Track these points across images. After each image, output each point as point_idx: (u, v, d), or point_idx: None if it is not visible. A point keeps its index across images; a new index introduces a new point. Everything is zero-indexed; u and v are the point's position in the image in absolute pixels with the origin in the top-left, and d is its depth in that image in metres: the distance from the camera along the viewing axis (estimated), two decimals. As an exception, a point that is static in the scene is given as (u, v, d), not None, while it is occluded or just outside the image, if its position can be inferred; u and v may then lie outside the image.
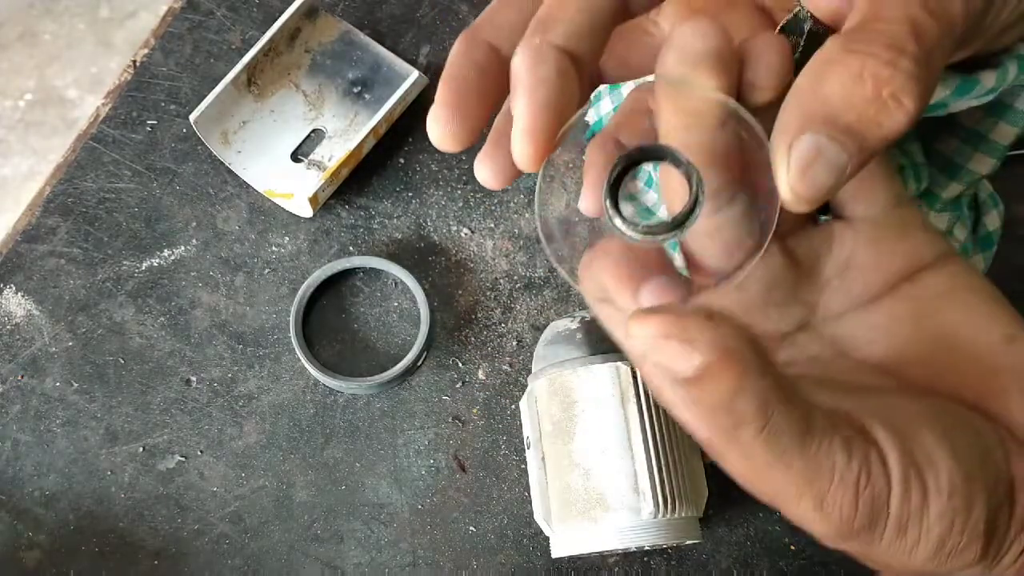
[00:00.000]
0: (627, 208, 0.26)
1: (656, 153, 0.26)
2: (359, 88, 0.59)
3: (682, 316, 0.24)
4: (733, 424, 0.24)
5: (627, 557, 0.51)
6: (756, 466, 0.25)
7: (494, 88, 0.28)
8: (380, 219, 0.57)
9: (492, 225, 0.57)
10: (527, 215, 0.57)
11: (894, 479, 0.25)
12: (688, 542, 0.45)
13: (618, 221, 0.26)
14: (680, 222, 0.25)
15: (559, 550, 0.46)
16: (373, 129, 0.56)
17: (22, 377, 0.55)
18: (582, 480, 0.44)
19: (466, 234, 0.57)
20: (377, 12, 0.61)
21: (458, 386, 0.55)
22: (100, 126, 0.59)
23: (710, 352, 0.24)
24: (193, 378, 0.55)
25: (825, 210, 0.32)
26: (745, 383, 0.24)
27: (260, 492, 0.53)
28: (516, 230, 0.57)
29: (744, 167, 0.27)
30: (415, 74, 0.57)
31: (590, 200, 0.30)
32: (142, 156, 0.58)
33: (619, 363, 0.45)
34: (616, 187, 0.26)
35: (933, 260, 0.30)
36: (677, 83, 0.26)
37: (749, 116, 0.26)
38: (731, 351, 0.24)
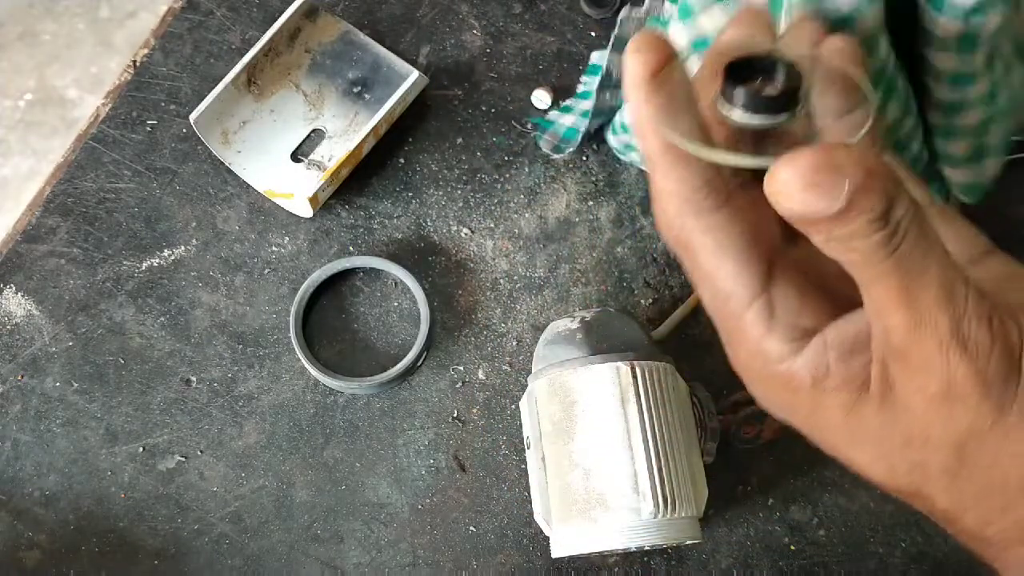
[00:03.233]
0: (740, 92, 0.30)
1: (761, 56, 0.30)
2: (359, 88, 0.59)
3: (825, 149, 0.26)
4: (886, 237, 0.27)
5: (627, 557, 0.51)
6: (904, 281, 0.27)
7: None
8: (380, 219, 0.57)
9: (492, 225, 0.57)
10: (527, 215, 0.57)
11: None
12: (688, 542, 0.45)
13: (734, 101, 0.30)
14: (795, 99, 0.29)
15: (559, 550, 0.46)
16: (373, 129, 0.56)
17: (22, 377, 0.55)
18: (582, 480, 0.44)
19: (466, 234, 0.57)
20: (377, 12, 0.61)
21: (458, 386, 0.55)
22: (100, 126, 0.59)
23: (858, 172, 0.26)
24: (193, 378, 0.55)
25: None
26: (892, 185, 0.26)
27: (260, 492, 0.53)
28: (516, 230, 0.57)
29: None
30: (415, 74, 0.57)
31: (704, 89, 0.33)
32: (142, 156, 0.58)
33: (619, 363, 0.45)
34: (731, 74, 0.30)
35: (990, 248, 0.34)
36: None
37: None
38: (876, 160, 0.27)
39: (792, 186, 0.26)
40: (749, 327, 0.32)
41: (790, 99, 0.29)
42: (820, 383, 0.31)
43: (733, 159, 0.29)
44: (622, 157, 0.57)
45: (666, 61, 0.31)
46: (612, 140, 0.56)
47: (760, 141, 0.31)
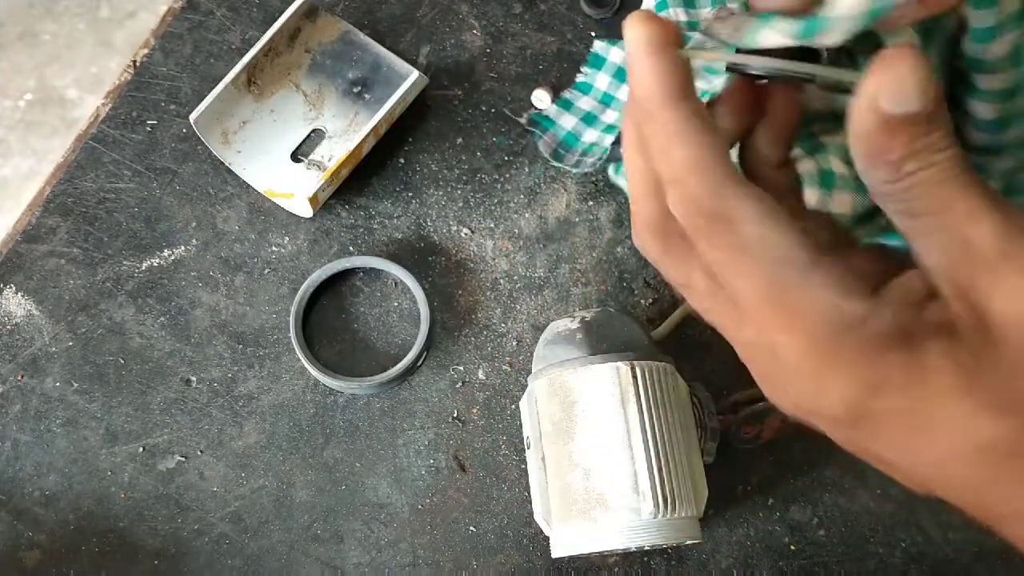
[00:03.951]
0: None
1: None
2: (359, 88, 0.59)
3: (914, 51, 0.26)
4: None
5: (627, 557, 0.51)
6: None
7: None
8: (380, 219, 0.57)
9: (492, 225, 0.57)
10: (527, 215, 0.57)
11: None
12: (688, 542, 0.45)
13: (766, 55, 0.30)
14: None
15: (559, 550, 0.46)
16: (373, 129, 0.56)
17: (22, 377, 0.55)
18: (582, 480, 0.44)
19: (466, 234, 0.57)
20: (377, 12, 0.61)
21: (458, 386, 0.55)
22: (100, 126, 0.59)
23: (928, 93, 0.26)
24: (193, 378, 0.55)
25: None
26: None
27: (260, 492, 0.53)
28: (516, 230, 0.57)
29: None
30: (415, 74, 0.57)
31: None
32: (142, 156, 0.58)
33: (619, 363, 0.45)
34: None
35: None
36: None
37: None
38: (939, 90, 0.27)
39: (901, 76, 0.26)
40: (819, 291, 0.28)
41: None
42: (910, 337, 0.27)
43: (799, 66, 0.29)
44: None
45: (673, 31, 0.29)
46: (618, 180, 0.55)
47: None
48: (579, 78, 0.58)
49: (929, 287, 0.28)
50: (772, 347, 0.29)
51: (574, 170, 0.56)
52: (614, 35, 0.59)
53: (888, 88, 0.26)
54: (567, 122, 0.57)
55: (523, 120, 0.58)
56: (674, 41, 0.30)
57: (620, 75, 0.57)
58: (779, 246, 0.29)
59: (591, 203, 0.57)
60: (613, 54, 0.57)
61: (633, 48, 0.29)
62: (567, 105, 0.58)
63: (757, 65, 0.30)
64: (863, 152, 0.27)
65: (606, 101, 0.57)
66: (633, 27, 0.29)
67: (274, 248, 0.57)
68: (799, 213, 0.34)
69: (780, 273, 0.29)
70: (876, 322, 0.28)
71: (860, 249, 0.33)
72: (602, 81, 0.57)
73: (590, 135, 0.57)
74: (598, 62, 0.58)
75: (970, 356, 0.27)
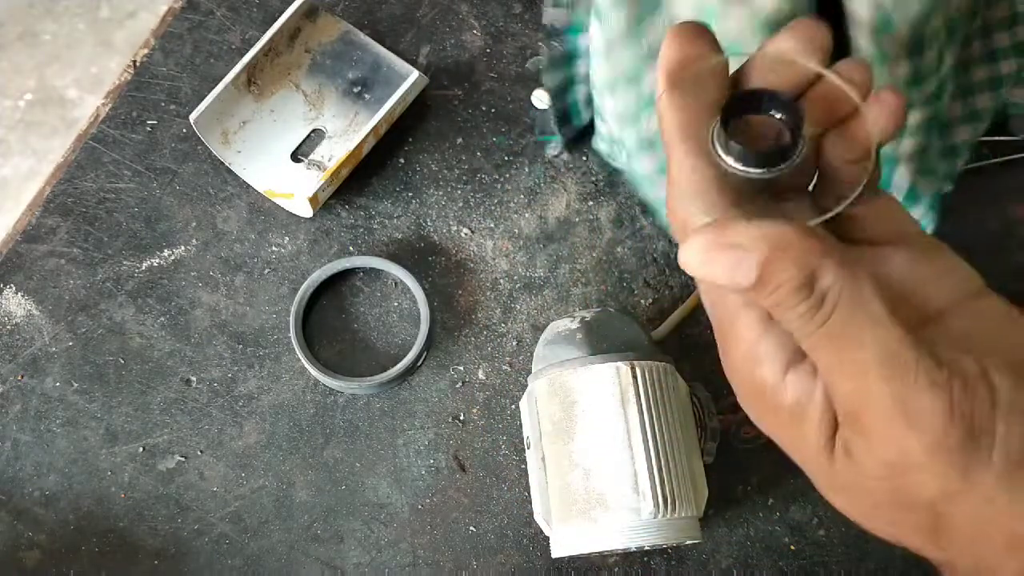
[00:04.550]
0: (734, 145, 0.29)
1: (765, 94, 0.29)
2: (359, 88, 0.59)
3: (724, 223, 0.27)
4: (812, 305, 0.27)
5: (627, 557, 0.51)
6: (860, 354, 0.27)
7: None
8: (380, 219, 0.57)
9: (492, 225, 0.57)
10: (527, 215, 0.57)
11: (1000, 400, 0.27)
12: (688, 542, 0.45)
13: (730, 153, 0.29)
14: (788, 155, 0.28)
15: (559, 550, 0.46)
16: (373, 129, 0.56)
17: (22, 377, 0.55)
18: (582, 480, 0.44)
19: (466, 234, 0.57)
20: (377, 12, 0.61)
21: (458, 386, 0.55)
22: (100, 126, 0.59)
23: (761, 245, 0.26)
24: (193, 378, 0.55)
25: None
26: (811, 257, 0.26)
27: (260, 492, 0.53)
28: (516, 230, 0.57)
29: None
30: (415, 74, 0.57)
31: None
32: (142, 156, 0.58)
33: (619, 363, 0.45)
34: (726, 122, 0.29)
35: (983, 289, 0.32)
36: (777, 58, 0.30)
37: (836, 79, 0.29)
38: (782, 235, 0.26)
39: (697, 263, 0.27)
40: (745, 329, 0.30)
41: (790, 147, 0.28)
42: (802, 410, 0.29)
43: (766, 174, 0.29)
44: (612, 162, 0.56)
45: (699, 56, 0.30)
46: (601, 145, 0.55)
47: (757, 183, 0.30)
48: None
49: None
50: (723, 355, 0.33)
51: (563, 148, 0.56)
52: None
53: (696, 270, 0.27)
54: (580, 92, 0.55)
55: (551, 152, 0.57)
56: (693, 76, 0.30)
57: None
58: (720, 275, 0.29)
59: (591, 203, 0.57)
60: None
61: (660, 75, 0.31)
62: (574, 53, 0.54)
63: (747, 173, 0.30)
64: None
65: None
66: (664, 49, 0.31)
67: (274, 248, 0.57)
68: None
69: (719, 300, 0.31)
70: (779, 380, 0.30)
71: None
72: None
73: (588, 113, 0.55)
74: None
75: (835, 468, 0.29)
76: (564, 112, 0.54)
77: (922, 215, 0.49)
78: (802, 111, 0.28)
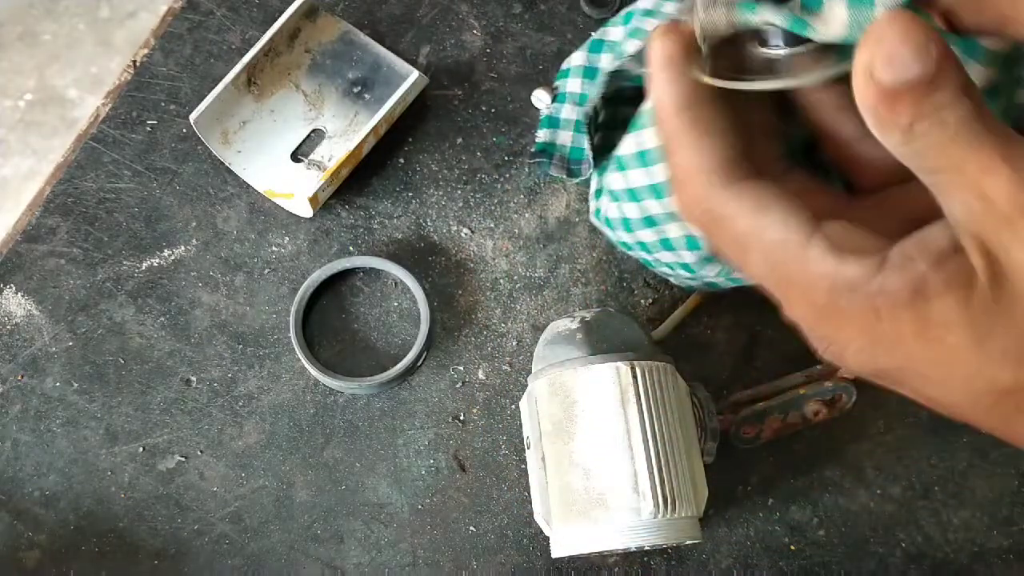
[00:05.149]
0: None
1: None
2: (359, 88, 0.59)
3: (908, 14, 0.26)
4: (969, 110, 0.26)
5: (627, 557, 0.51)
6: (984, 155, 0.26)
7: None
8: (380, 219, 0.57)
9: (492, 225, 0.57)
10: (527, 215, 0.57)
11: None
12: (688, 542, 0.45)
13: (766, 38, 0.30)
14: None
15: (559, 550, 0.46)
16: (373, 129, 0.56)
17: (22, 377, 0.55)
18: (582, 480, 0.44)
19: (466, 234, 0.57)
20: (377, 12, 0.61)
21: (458, 386, 0.55)
22: (100, 126, 0.59)
23: (939, 37, 0.26)
24: (193, 378, 0.55)
25: None
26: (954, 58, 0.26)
27: (260, 492, 0.53)
28: (516, 230, 0.57)
29: None
30: (415, 74, 0.57)
31: None
32: (142, 156, 0.58)
33: (619, 363, 0.45)
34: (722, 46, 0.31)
35: None
36: None
37: None
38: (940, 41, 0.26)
39: (893, 45, 0.26)
40: (817, 263, 0.29)
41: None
42: (921, 293, 0.28)
43: (791, 81, 0.29)
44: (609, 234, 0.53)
45: (684, 45, 0.31)
46: (597, 223, 0.55)
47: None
48: (555, 90, 0.57)
49: (955, 240, 0.28)
50: (800, 310, 0.31)
51: (573, 180, 0.55)
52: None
53: (880, 58, 0.26)
54: (564, 139, 0.56)
55: (529, 160, 0.57)
56: (685, 55, 0.32)
57: (588, 73, 0.56)
58: (774, 231, 0.30)
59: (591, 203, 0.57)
60: (574, 59, 0.56)
61: (651, 62, 0.32)
62: (554, 123, 0.56)
63: (766, 87, 0.30)
64: (871, 122, 0.28)
65: (582, 102, 0.56)
66: (652, 41, 0.32)
67: (274, 248, 0.57)
68: (797, 183, 0.35)
69: (778, 256, 0.30)
70: (881, 281, 0.28)
71: (878, 200, 0.33)
72: (573, 85, 0.56)
73: (585, 141, 0.56)
74: (563, 74, 0.57)
75: (984, 309, 0.27)
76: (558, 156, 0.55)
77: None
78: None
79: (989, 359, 0.27)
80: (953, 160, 0.27)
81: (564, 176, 0.54)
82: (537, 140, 0.55)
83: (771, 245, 0.30)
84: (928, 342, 0.28)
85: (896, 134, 0.27)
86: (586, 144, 0.51)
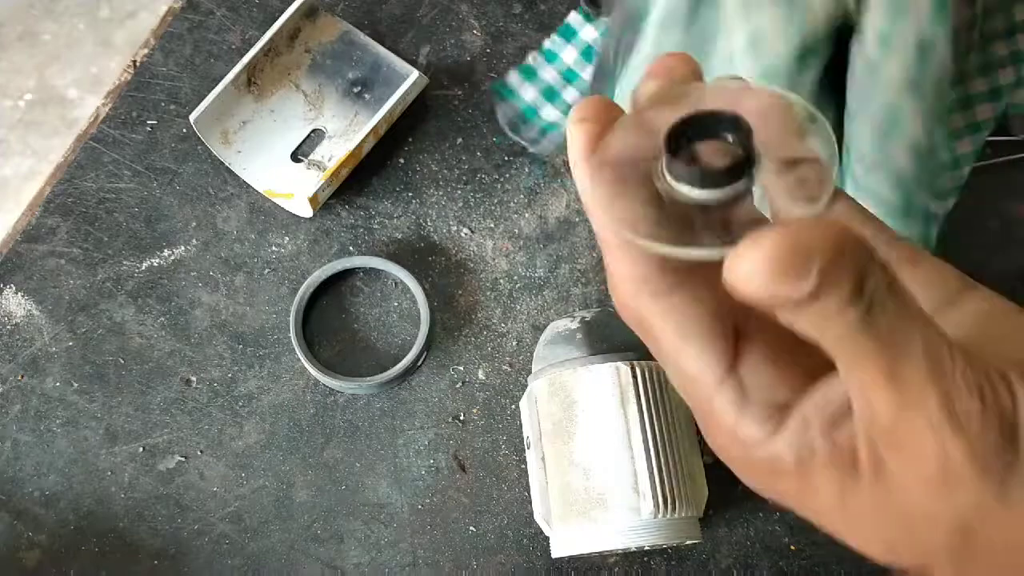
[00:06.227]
0: (683, 166, 0.27)
1: (717, 116, 0.27)
2: (359, 88, 0.59)
3: (791, 230, 0.24)
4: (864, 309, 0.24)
5: (627, 557, 0.51)
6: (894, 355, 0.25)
7: None
8: (380, 219, 0.57)
9: (492, 225, 0.57)
10: (527, 215, 0.57)
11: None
12: (688, 542, 0.45)
13: (675, 177, 0.27)
14: (750, 165, 0.26)
15: (559, 550, 0.46)
16: (373, 129, 0.56)
17: (22, 377, 0.55)
18: (582, 480, 0.44)
19: (466, 234, 0.57)
20: (377, 12, 0.61)
21: (458, 386, 0.55)
22: (100, 126, 0.59)
23: (827, 249, 0.23)
24: (193, 378, 0.55)
25: None
26: (863, 254, 0.24)
27: (260, 492, 0.53)
28: (516, 230, 0.57)
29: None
30: (415, 74, 0.57)
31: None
32: (142, 156, 0.58)
33: (619, 363, 0.45)
34: (672, 141, 0.27)
35: (964, 283, 0.30)
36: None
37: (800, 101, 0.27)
38: (841, 232, 0.24)
39: (756, 275, 0.23)
40: (720, 412, 0.29)
41: (743, 164, 0.26)
42: (806, 463, 0.28)
43: (686, 253, 0.26)
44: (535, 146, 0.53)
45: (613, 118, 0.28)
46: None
47: (712, 213, 0.28)
48: (546, 44, 0.56)
49: (843, 407, 0.28)
50: (709, 441, 0.31)
51: (532, 148, 0.55)
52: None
53: (749, 283, 0.24)
54: (528, 94, 0.55)
55: (485, 87, 0.56)
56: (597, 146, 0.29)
57: (587, 54, 0.55)
58: (689, 363, 0.29)
59: (591, 203, 0.57)
60: (586, 31, 0.55)
61: (571, 153, 0.29)
62: (530, 74, 0.55)
63: (697, 256, 0.28)
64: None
65: (569, 77, 0.54)
66: (570, 128, 0.29)
67: (274, 248, 0.57)
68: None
69: (691, 391, 0.30)
70: (772, 446, 0.28)
71: (787, 352, 0.30)
72: (569, 55, 0.55)
73: (549, 112, 0.55)
74: (569, 33, 0.55)
75: (866, 494, 0.27)
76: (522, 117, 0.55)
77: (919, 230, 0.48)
78: (749, 126, 0.27)
79: (864, 541, 0.29)
80: (839, 360, 0.26)
81: (505, 126, 0.53)
82: (506, 80, 0.54)
83: (686, 378, 0.29)
84: (808, 507, 0.29)
85: (782, 319, 0.25)
86: (551, 116, 0.50)
